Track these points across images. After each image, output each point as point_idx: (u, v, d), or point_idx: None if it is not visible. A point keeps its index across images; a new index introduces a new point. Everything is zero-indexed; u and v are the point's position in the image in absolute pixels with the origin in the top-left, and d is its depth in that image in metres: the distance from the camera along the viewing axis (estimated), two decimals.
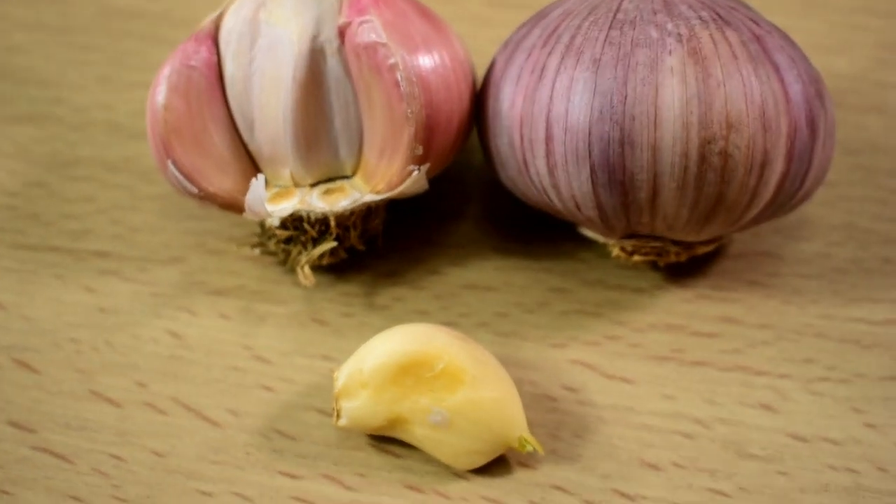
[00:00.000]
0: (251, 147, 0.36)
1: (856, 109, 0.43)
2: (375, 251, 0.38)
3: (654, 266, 0.37)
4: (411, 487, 0.33)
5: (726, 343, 0.36)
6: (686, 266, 0.38)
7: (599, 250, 0.38)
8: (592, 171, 0.33)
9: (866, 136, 0.42)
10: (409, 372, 0.32)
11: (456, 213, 0.40)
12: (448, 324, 0.36)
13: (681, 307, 0.37)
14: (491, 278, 0.38)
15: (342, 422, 0.33)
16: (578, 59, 0.33)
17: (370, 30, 0.34)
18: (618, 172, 0.33)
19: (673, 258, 0.36)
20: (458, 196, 0.40)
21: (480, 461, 0.33)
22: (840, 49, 0.45)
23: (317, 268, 0.37)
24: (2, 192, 0.41)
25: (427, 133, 0.34)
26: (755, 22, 0.34)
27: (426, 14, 0.36)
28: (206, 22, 0.36)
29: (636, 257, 0.36)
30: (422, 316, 0.37)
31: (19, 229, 0.39)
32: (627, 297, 0.37)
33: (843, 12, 0.47)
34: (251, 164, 0.36)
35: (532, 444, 0.32)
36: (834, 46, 0.45)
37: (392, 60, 0.34)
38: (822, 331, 0.36)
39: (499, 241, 0.39)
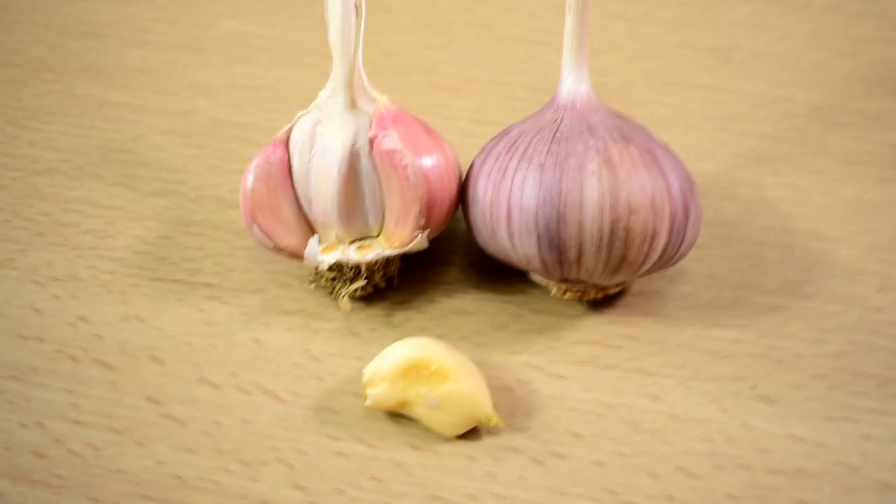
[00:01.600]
0: (310, 217, 0.36)
1: (718, 197, 0.43)
2: (393, 287, 0.38)
3: (580, 300, 0.37)
4: (414, 447, 0.33)
5: (628, 353, 0.36)
6: (601, 301, 0.38)
7: (544, 289, 0.38)
8: (538, 238, 0.33)
9: (724, 215, 0.42)
10: (413, 370, 0.32)
11: (447, 261, 0.40)
12: (440, 337, 0.36)
13: (598, 328, 0.37)
14: (470, 306, 0.38)
15: (368, 402, 0.33)
16: (530, 164, 0.33)
17: (391, 140, 0.34)
18: (555, 240, 0.33)
19: (592, 296, 0.37)
20: (449, 251, 0.40)
21: (460, 430, 0.33)
22: (706, 156, 0.45)
23: (352, 298, 0.37)
24: (144, 242, 0.41)
25: (427, 209, 0.35)
26: (649, 140, 0.34)
27: (428, 130, 0.36)
28: (282, 132, 0.36)
29: (568, 294, 0.37)
30: (423, 331, 0.37)
31: (153, 268, 0.39)
32: (562, 321, 0.37)
33: (707, 130, 0.47)
34: (310, 228, 0.36)
35: (495, 419, 0.33)
36: (704, 154, 0.46)
37: (405, 161, 0.34)
38: (693, 346, 0.36)
39: (476, 281, 0.39)
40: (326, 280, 0.37)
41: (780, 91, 0.50)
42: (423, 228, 0.35)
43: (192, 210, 0.42)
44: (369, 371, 0.33)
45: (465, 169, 0.37)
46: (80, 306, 0.38)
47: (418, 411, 0.33)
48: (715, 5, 0.57)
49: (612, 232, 0.33)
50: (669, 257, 0.34)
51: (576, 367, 0.35)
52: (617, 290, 0.37)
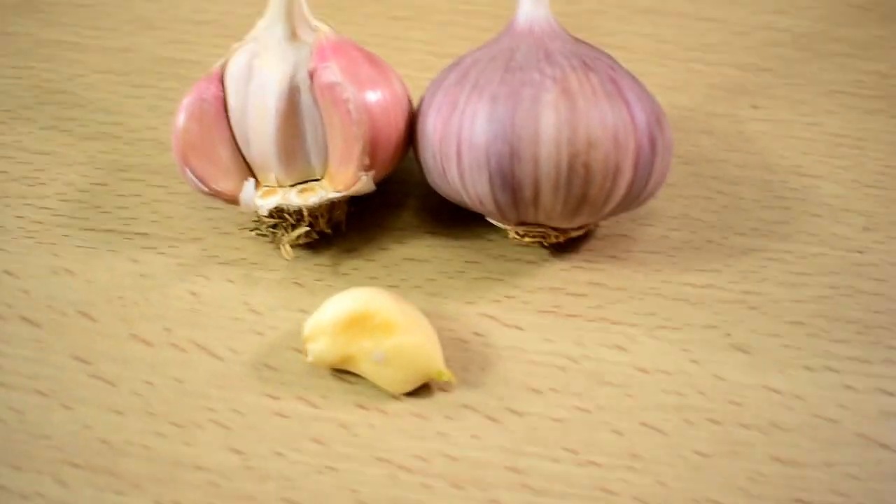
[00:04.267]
0: (247, 158, 0.34)
1: (692, 132, 0.41)
2: (340, 233, 0.36)
3: (540, 245, 0.35)
4: (360, 406, 0.31)
5: (592, 301, 0.34)
6: (564, 245, 0.36)
7: (502, 233, 0.36)
8: (490, 177, 0.31)
9: (698, 151, 0.40)
10: (356, 323, 0.30)
11: (400, 205, 0.38)
12: (391, 287, 0.34)
13: (560, 275, 0.35)
14: (423, 253, 0.36)
15: (309, 359, 0.31)
16: (481, 95, 0.31)
17: (330, 73, 0.32)
18: (509, 178, 0.31)
19: (553, 240, 0.34)
20: (401, 194, 0.38)
21: (410, 387, 0.31)
22: (681, 88, 0.43)
23: (296, 246, 0.35)
24: (76, 189, 0.38)
25: (372, 148, 0.33)
26: (612, 69, 0.32)
27: (374, 61, 0.34)
28: (215, 66, 0.34)
29: (527, 239, 0.34)
30: (372, 280, 0.35)
31: (85, 217, 0.37)
32: (521, 268, 0.35)
33: (682, 60, 0.45)
34: (248, 170, 0.34)
35: (447, 375, 0.31)
36: (676, 86, 0.43)
37: (345, 95, 0.32)
38: (662, 292, 0.34)
39: (430, 226, 0.37)
40: (267, 227, 0.35)
41: (761, 18, 0.48)
42: (368, 169, 0.33)
43: (128, 154, 0.40)
44: (309, 325, 0.31)
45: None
46: (6, 259, 0.36)
47: (364, 367, 0.31)
48: None
49: (571, 168, 0.30)
50: (635, 196, 0.32)
51: (535, 317, 0.33)
52: (580, 233, 0.34)
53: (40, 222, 0.37)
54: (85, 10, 0.48)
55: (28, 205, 0.38)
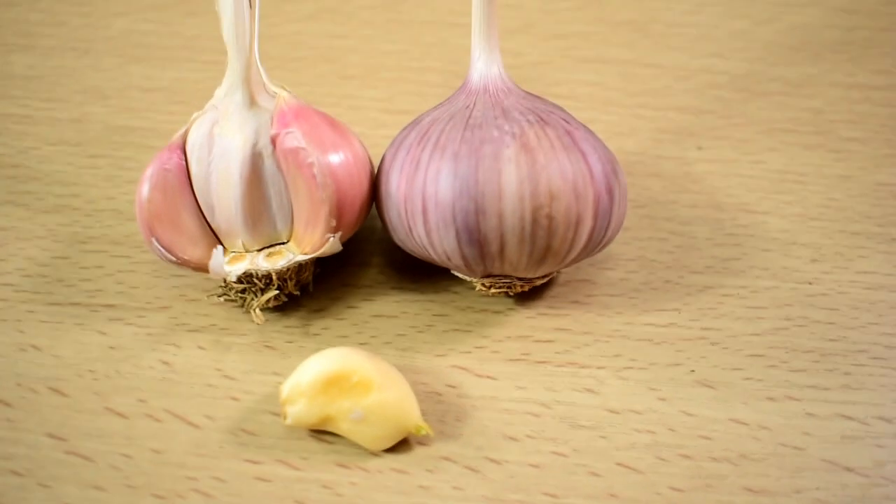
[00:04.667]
0: (213, 225, 0.34)
1: (641, 175, 0.42)
2: (308, 294, 0.37)
3: (506, 295, 0.36)
4: (341, 465, 0.31)
5: (560, 346, 0.35)
6: (529, 293, 0.37)
7: (467, 285, 0.37)
8: (457, 233, 0.32)
9: (649, 194, 0.41)
10: (334, 384, 0.31)
11: (365, 263, 0.38)
12: (362, 344, 0.35)
13: (527, 322, 0.36)
14: (391, 309, 0.36)
15: (288, 421, 0.31)
16: (443, 154, 0.32)
17: (293, 138, 0.33)
18: (475, 234, 0.32)
19: (519, 289, 0.35)
20: (365, 252, 0.39)
21: (389, 443, 0.31)
22: (628, 133, 0.45)
23: (265, 309, 0.36)
24: (37, 263, 0.38)
25: (338, 210, 0.33)
26: (567, 122, 0.33)
27: (334, 125, 0.35)
28: (176, 136, 0.34)
29: (493, 290, 0.35)
30: (343, 339, 0.35)
31: (49, 291, 0.37)
32: (489, 318, 0.36)
33: (628, 106, 0.46)
34: (214, 238, 0.35)
35: (425, 428, 0.31)
36: (624, 132, 0.45)
37: (310, 160, 0.33)
38: (626, 334, 0.35)
39: (396, 282, 0.37)
40: (236, 292, 0.35)
41: (700, 62, 0.50)
42: (335, 230, 0.33)
43: (89, 226, 0.40)
44: (287, 387, 0.31)
45: (377, 163, 0.36)
46: None
47: (343, 427, 0.31)
48: None
49: (535, 221, 0.31)
50: (596, 243, 0.33)
51: (506, 366, 0.34)
52: (544, 281, 0.35)
53: (3, 299, 0.37)
54: (34, 83, 0.48)
55: None
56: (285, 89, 0.35)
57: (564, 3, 0.54)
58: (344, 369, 0.31)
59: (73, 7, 0.55)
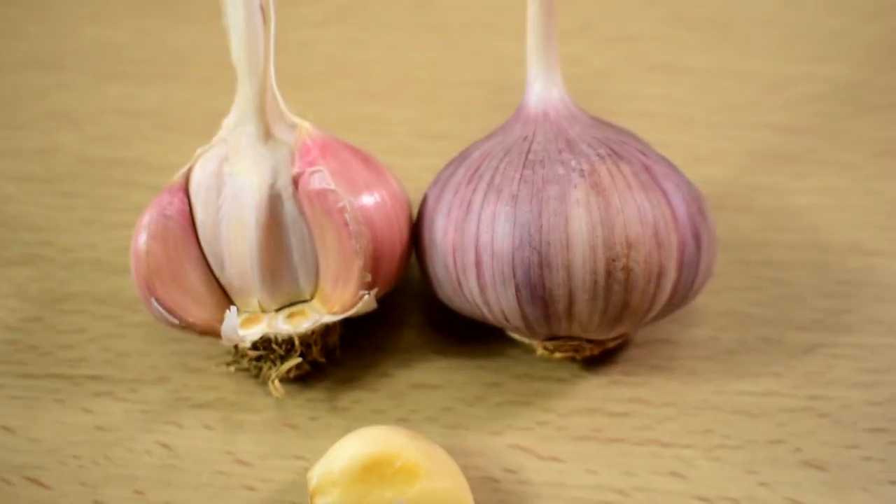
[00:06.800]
0: (223, 281, 0.36)
1: (730, 210, 0.43)
2: (334, 361, 0.38)
3: (573, 359, 0.38)
4: None
5: (637, 420, 0.36)
6: (599, 357, 0.38)
7: (525, 347, 0.38)
8: (517, 289, 0.33)
9: (741, 233, 0.42)
10: (373, 470, 0.32)
11: (401, 323, 0.40)
12: (400, 420, 0.36)
13: (597, 392, 0.37)
14: (435, 378, 0.38)
15: None
16: (499, 196, 0.34)
17: (321, 179, 0.34)
18: (538, 290, 0.33)
19: (588, 352, 0.37)
20: (402, 309, 0.40)
21: None
22: (710, 159, 0.46)
23: (285, 380, 0.37)
24: (3, 328, 0.40)
25: (374, 263, 0.35)
26: (644, 154, 0.35)
27: (366, 160, 0.37)
28: (177, 176, 0.36)
29: (557, 354, 0.37)
30: (377, 415, 0.37)
31: (21, 360, 0.39)
32: (552, 387, 0.37)
33: (708, 125, 0.47)
34: (224, 296, 0.36)
35: None
36: (705, 157, 0.46)
37: (341, 204, 0.34)
38: (717, 404, 0.36)
39: (439, 345, 0.39)
40: (250, 360, 0.37)
41: (795, 69, 0.50)
42: (370, 287, 0.35)
43: (65, 280, 0.42)
44: (317, 474, 0.32)
45: (414, 202, 0.38)
46: None
47: None
48: None
49: (609, 274, 0.33)
50: (681, 298, 0.35)
51: (574, 445, 0.36)
52: (617, 343, 0.37)
53: None
54: None
55: None
56: (306, 119, 0.36)
57: None
58: (384, 453, 0.32)
59: (35, 13, 0.56)
